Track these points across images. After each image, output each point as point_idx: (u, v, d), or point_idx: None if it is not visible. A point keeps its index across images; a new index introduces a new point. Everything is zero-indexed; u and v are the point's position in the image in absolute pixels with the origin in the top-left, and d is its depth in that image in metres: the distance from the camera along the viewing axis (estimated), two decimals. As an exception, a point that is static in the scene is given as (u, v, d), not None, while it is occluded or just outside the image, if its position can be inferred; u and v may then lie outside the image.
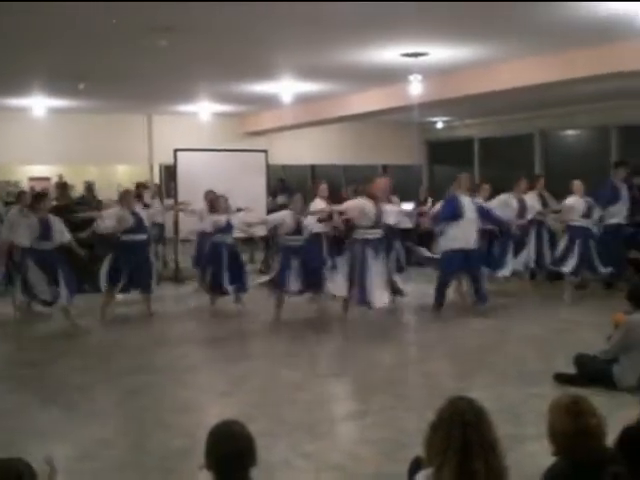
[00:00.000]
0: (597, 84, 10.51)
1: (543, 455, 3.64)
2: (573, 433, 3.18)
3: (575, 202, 11.09)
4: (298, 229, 9.84)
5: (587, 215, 11.10)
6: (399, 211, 10.73)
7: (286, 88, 12.13)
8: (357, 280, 9.21)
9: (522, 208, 11.61)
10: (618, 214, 11.44)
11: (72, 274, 9.70)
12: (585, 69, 9.23)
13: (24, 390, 7.13)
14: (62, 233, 9.67)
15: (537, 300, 11.26)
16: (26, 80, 11.57)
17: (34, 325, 10.21)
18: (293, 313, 10.30)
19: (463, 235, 9.97)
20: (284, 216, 9.97)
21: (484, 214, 10.29)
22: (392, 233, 10.44)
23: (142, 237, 10.28)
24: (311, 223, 10.02)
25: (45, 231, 9.47)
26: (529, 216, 11.70)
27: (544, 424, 3.40)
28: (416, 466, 3.47)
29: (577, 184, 11.19)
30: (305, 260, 9.82)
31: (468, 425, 2.94)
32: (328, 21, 7.61)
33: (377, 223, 9.39)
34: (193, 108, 15.27)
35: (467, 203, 10.08)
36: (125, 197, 10.43)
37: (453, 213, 10.01)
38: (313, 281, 9.88)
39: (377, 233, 9.44)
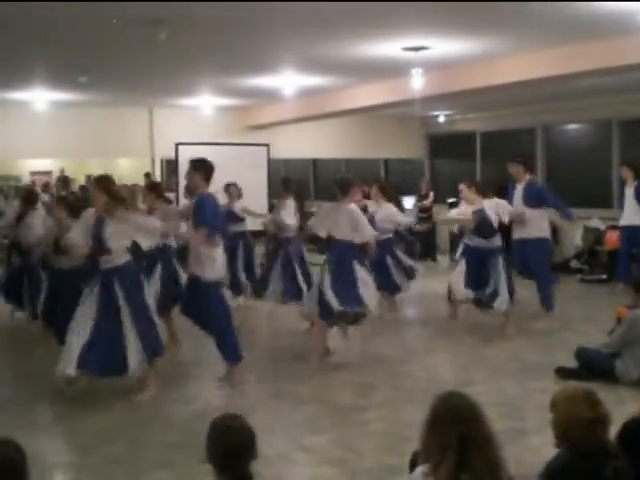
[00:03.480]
0: (599, 78, 10.48)
1: (545, 448, 3.65)
2: (588, 422, 3.21)
3: None
4: None
5: None
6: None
7: (288, 82, 12.11)
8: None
9: None
10: None
11: None
12: (587, 63, 9.19)
13: (23, 384, 7.13)
14: None
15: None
16: (27, 74, 11.55)
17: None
18: (294, 307, 10.31)
19: None
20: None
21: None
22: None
23: None
24: None
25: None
26: None
27: (546, 418, 3.41)
28: (417, 460, 3.47)
29: None
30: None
31: (464, 421, 2.95)
32: (330, 15, 7.59)
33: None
34: (195, 101, 15.25)
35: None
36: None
37: None
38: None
39: None
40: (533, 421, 5.73)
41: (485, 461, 2.90)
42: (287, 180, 10.28)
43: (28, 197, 9.90)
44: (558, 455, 3.35)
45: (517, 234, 9.86)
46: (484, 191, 9.00)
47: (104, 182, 6.79)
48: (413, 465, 3.46)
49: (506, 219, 9.00)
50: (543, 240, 9.85)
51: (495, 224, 8.83)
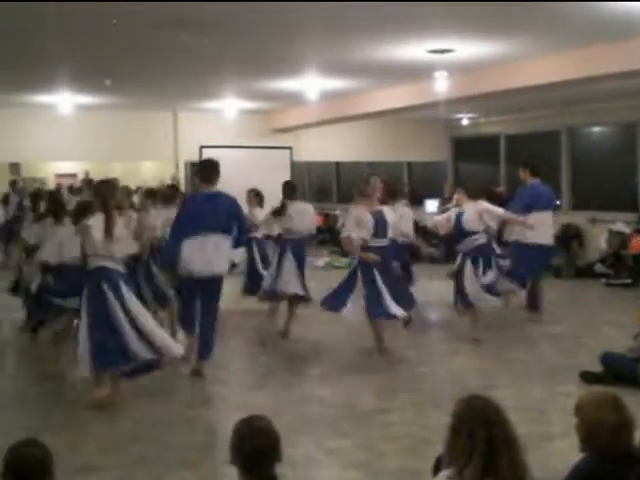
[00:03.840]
0: (624, 80, 10.40)
1: (570, 453, 3.63)
2: (614, 426, 3.20)
3: None
4: None
5: None
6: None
7: (312, 85, 12.13)
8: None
9: None
10: None
11: None
12: (612, 65, 9.13)
13: (48, 385, 7.18)
14: None
15: (564, 297, 11.21)
16: (53, 77, 11.65)
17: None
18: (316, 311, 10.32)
19: None
20: None
21: None
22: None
23: None
24: None
25: None
26: None
27: (571, 422, 3.39)
28: (440, 464, 3.47)
29: None
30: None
31: (490, 423, 2.93)
32: (354, 18, 7.60)
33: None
34: (219, 105, 15.31)
35: None
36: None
37: None
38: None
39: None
40: (558, 425, 5.70)
41: (511, 464, 2.89)
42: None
43: (55, 210, 8.35)
44: (583, 459, 3.33)
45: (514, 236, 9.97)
46: (474, 195, 9.02)
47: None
48: (437, 469, 3.45)
49: (492, 223, 9.03)
50: (536, 245, 9.83)
51: (471, 227, 8.81)
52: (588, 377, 6.95)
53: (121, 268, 6.63)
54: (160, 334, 6.56)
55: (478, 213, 8.77)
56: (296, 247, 9.20)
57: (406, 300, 8.15)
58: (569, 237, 14.40)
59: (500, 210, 9.12)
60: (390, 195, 9.05)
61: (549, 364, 7.79)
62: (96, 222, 6.49)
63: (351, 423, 6.07)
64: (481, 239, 8.77)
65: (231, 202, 7.44)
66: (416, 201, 17.35)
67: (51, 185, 21.59)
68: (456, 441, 2.97)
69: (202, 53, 9.28)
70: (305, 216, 9.40)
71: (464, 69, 10.51)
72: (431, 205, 16.23)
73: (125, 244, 6.70)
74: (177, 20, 7.41)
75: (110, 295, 6.40)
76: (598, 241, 13.78)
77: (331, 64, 10.47)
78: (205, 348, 7.41)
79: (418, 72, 10.74)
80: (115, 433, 5.91)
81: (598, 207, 14.53)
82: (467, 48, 9.19)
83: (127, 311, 6.42)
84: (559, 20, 7.83)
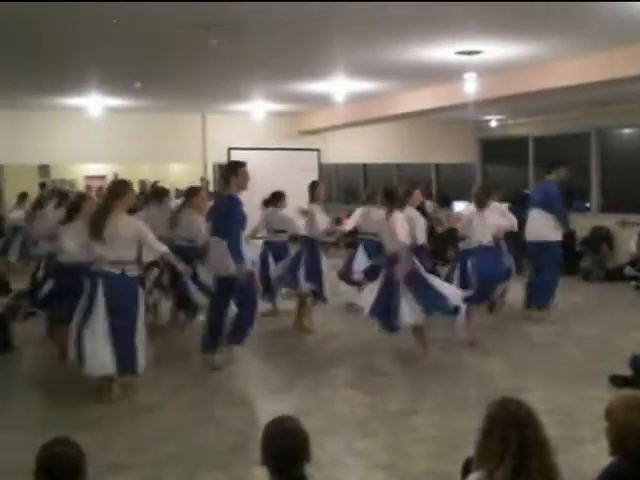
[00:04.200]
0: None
1: (600, 456, 3.61)
2: None
3: None
4: None
5: None
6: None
7: (339, 87, 12.14)
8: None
9: None
10: None
11: None
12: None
13: (78, 384, 7.26)
14: None
15: (593, 301, 11.14)
16: (83, 80, 11.75)
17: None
18: (341, 313, 10.33)
19: None
20: None
21: None
22: None
23: None
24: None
25: None
26: None
27: (601, 426, 3.37)
28: (469, 467, 3.46)
29: None
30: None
31: (523, 426, 2.93)
32: (382, 19, 7.60)
33: None
34: (247, 107, 15.36)
35: None
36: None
37: None
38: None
39: None
40: (588, 429, 5.67)
41: (542, 467, 2.88)
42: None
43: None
44: (612, 463, 3.31)
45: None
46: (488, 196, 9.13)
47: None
48: (465, 472, 3.45)
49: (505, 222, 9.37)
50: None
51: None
52: (617, 381, 6.90)
53: (116, 270, 6.70)
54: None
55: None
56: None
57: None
58: (599, 239, 14.31)
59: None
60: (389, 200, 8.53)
61: (578, 367, 7.74)
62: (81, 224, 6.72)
63: (378, 425, 6.09)
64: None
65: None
66: (444, 203, 17.35)
67: (81, 187, 21.84)
68: (488, 443, 2.96)
69: (230, 55, 9.32)
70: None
71: (493, 70, 10.46)
72: (459, 207, 16.17)
73: (122, 246, 6.75)
74: (205, 23, 7.46)
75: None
76: (628, 244, 13.67)
77: (359, 66, 10.47)
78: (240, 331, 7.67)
79: (446, 74, 10.71)
80: (145, 432, 5.96)
81: (628, 209, 14.41)
82: (496, 49, 9.15)
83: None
84: (589, 21, 7.77)
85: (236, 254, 7.38)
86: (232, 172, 7.74)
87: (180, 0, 6.62)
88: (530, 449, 2.89)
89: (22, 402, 7.01)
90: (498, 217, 9.48)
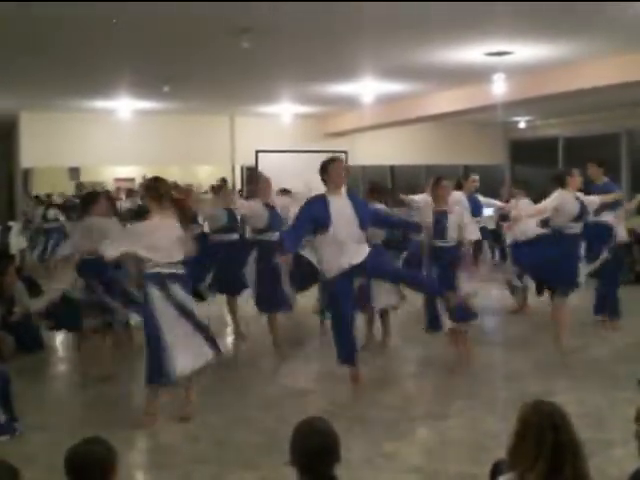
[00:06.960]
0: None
1: (629, 460, 3.59)
2: None
3: None
4: None
5: None
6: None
7: (367, 89, 12.16)
8: None
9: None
10: None
11: None
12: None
13: (108, 385, 7.32)
14: None
15: (623, 303, 11.01)
16: (113, 83, 11.88)
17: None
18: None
19: None
20: None
21: None
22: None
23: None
24: None
25: None
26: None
27: (630, 429, 3.35)
28: (497, 470, 3.45)
29: None
30: None
31: (557, 428, 2.91)
32: (411, 21, 7.61)
33: None
34: (275, 109, 15.42)
35: None
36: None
37: None
38: None
39: None
40: (617, 432, 5.62)
41: (574, 470, 2.86)
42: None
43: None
44: (643, 467, 3.29)
45: None
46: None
47: None
48: (494, 475, 3.44)
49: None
50: None
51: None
52: (649, 384, 6.84)
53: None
54: None
55: None
56: None
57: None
58: (630, 242, 14.15)
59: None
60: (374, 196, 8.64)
61: (608, 370, 7.67)
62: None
63: (408, 426, 6.07)
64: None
65: None
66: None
67: (111, 189, 21.96)
68: (521, 446, 2.94)
69: (259, 58, 9.37)
70: None
71: (522, 71, 10.42)
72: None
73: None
74: (241, 27, 7.50)
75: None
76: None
77: (388, 67, 10.47)
78: None
79: (475, 75, 10.69)
80: (175, 433, 5.99)
81: (659, 211, 14.27)
82: (525, 50, 9.12)
83: None
84: (619, 21, 7.73)
85: None
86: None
87: (210, 0, 6.66)
88: (564, 453, 2.87)
89: (55, 402, 7.09)
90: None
